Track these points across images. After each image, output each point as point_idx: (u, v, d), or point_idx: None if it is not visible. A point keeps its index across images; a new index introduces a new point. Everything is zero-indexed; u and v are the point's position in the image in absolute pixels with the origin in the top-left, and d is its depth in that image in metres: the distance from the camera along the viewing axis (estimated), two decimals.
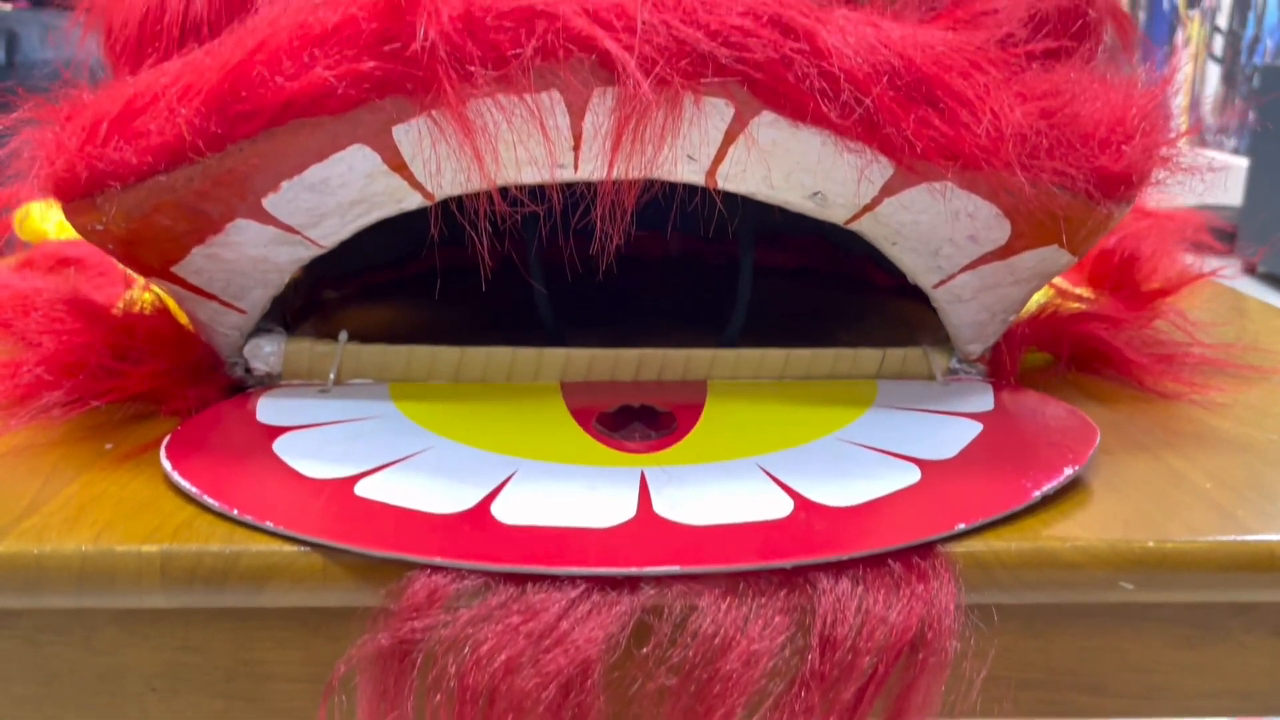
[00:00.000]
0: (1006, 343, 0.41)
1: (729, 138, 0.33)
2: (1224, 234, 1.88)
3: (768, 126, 0.32)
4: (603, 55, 0.29)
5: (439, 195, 0.34)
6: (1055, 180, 0.32)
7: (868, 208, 0.35)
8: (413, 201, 0.35)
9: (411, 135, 0.32)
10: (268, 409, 0.37)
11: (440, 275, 0.54)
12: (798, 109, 0.30)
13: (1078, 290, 0.52)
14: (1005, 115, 0.30)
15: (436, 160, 0.33)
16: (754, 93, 0.31)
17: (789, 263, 0.61)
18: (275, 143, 0.31)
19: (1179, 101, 2.45)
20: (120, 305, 0.44)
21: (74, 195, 0.33)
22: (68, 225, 0.57)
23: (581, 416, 0.37)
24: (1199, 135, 2.60)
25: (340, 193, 0.34)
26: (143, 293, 0.42)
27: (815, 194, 0.35)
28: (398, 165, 0.33)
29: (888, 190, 0.34)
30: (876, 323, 0.51)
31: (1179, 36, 2.73)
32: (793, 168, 0.34)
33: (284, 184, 0.33)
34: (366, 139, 0.32)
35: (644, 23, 0.29)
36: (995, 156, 0.31)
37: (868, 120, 0.30)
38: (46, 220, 0.64)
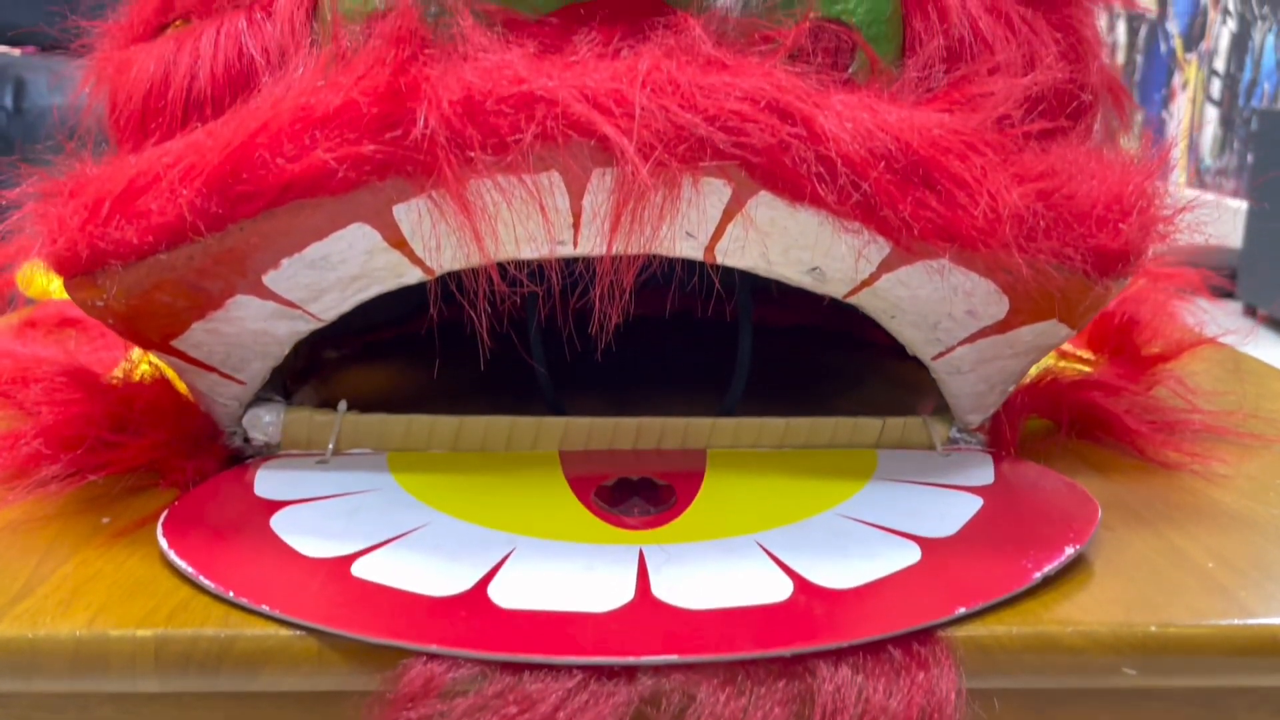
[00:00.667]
0: (1006, 412, 0.41)
1: (727, 216, 0.33)
2: (1225, 274, 1.88)
3: (765, 206, 0.32)
4: (602, 140, 0.29)
5: (439, 270, 0.34)
6: (1053, 259, 0.32)
7: (865, 283, 0.35)
8: (413, 276, 0.35)
9: (411, 214, 0.32)
10: (266, 482, 0.37)
11: (441, 332, 0.54)
12: (795, 191, 0.31)
13: (1078, 353, 0.52)
14: (1002, 197, 0.31)
15: (436, 238, 0.33)
16: (751, 175, 0.31)
17: (787, 320, 0.61)
18: (276, 222, 0.32)
19: (1177, 148, 2.45)
20: (119, 372, 0.44)
21: (75, 272, 0.33)
22: None
23: (580, 487, 0.37)
24: (1197, 177, 2.62)
25: (341, 269, 0.34)
26: (142, 359, 0.42)
27: (813, 270, 0.35)
28: (398, 242, 0.33)
29: (885, 267, 0.34)
30: (876, 384, 0.51)
31: (1177, 79, 2.75)
32: (790, 245, 0.34)
33: (284, 261, 0.33)
34: (367, 218, 0.32)
35: (642, 108, 0.29)
36: (993, 238, 0.31)
37: (865, 203, 0.30)
38: (51, 278, 0.64)
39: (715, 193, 0.32)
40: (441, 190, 0.30)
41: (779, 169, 0.30)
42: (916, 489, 0.37)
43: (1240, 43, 2.46)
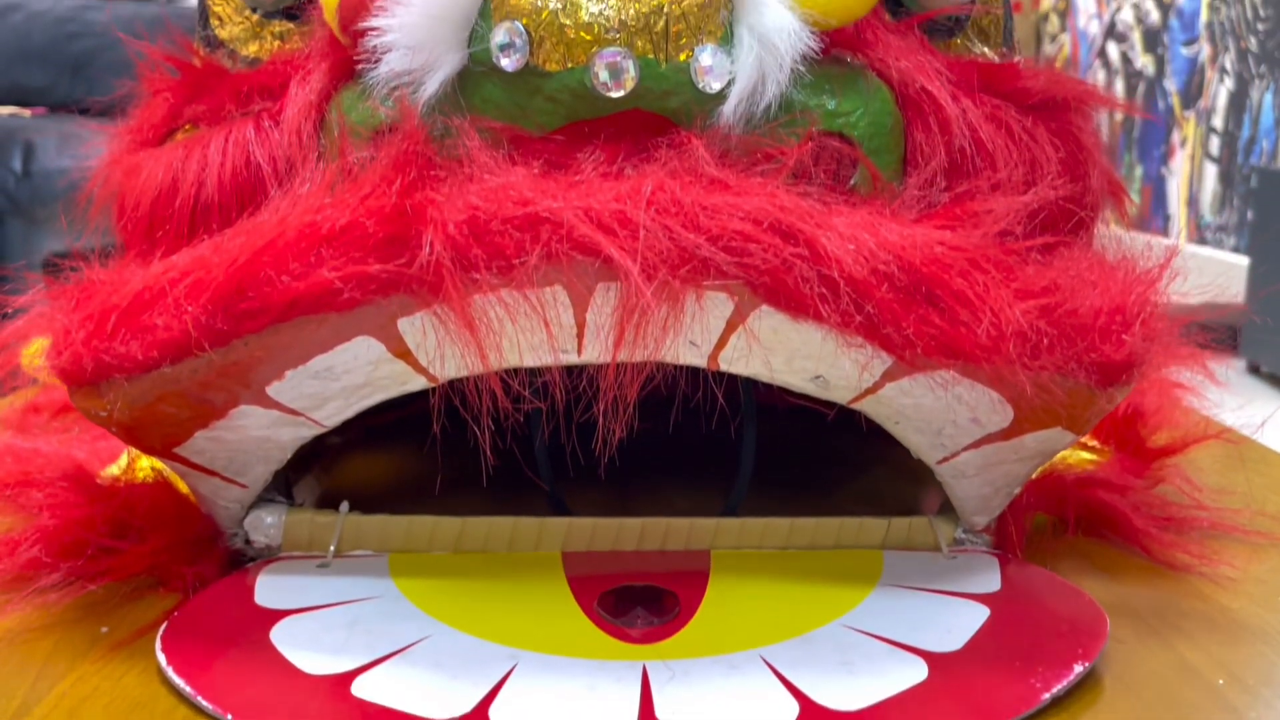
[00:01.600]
0: (1012, 511, 0.41)
1: (730, 327, 0.33)
2: (1227, 332, 1.88)
3: (768, 319, 0.32)
4: (606, 260, 0.30)
5: (443, 378, 0.34)
6: (1056, 373, 0.32)
7: (869, 391, 0.35)
8: (417, 384, 0.35)
9: (415, 328, 0.32)
10: (266, 589, 0.37)
11: (443, 417, 0.54)
12: (799, 308, 0.31)
13: (1083, 440, 0.52)
14: (1005, 314, 0.31)
15: (440, 349, 0.33)
16: (755, 292, 0.31)
17: (790, 400, 0.61)
18: (280, 337, 0.32)
19: (1178, 198, 2.46)
20: (118, 468, 0.44)
21: (80, 383, 0.33)
22: None
23: (582, 591, 0.37)
24: (1198, 233, 2.63)
25: (345, 378, 0.34)
26: (142, 455, 0.42)
27: (817, 378, 0.35)
28: (402, 353, 0.33)
29: (889, 376, 0.34)
30: (882, 471, 0.51)
31: (1175, 136, 2.77)
32: (794, 354, 0.34)
33: (288, 373, 0.33)
34: (371, 331, 0.32)
35: (646, 229, 0.29)
36: (996, 355, 0.31)
37: (868, 322, 0.30)
38: None
39: (718, 306, 0.32)
40: (446, 306, 0.31)
41: (782, 288, 0.30)
42: (922, 596, 0.37)
43: (1238, 101, 2.48)
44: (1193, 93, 2.70)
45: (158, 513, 0.38)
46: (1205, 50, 2.64)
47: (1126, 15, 3.04)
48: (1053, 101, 0.38)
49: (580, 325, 0.32)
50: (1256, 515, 0.44)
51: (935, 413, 0.35)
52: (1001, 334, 0.31)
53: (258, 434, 0.35)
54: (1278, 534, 0.43)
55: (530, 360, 0.33)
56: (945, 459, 0.37)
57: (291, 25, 0.41)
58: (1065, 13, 3.44)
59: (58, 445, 0.46)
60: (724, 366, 0.34)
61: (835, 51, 0.35)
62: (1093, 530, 0.43)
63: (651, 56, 0.32)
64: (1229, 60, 2.52)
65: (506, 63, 0.32)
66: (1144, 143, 2.95)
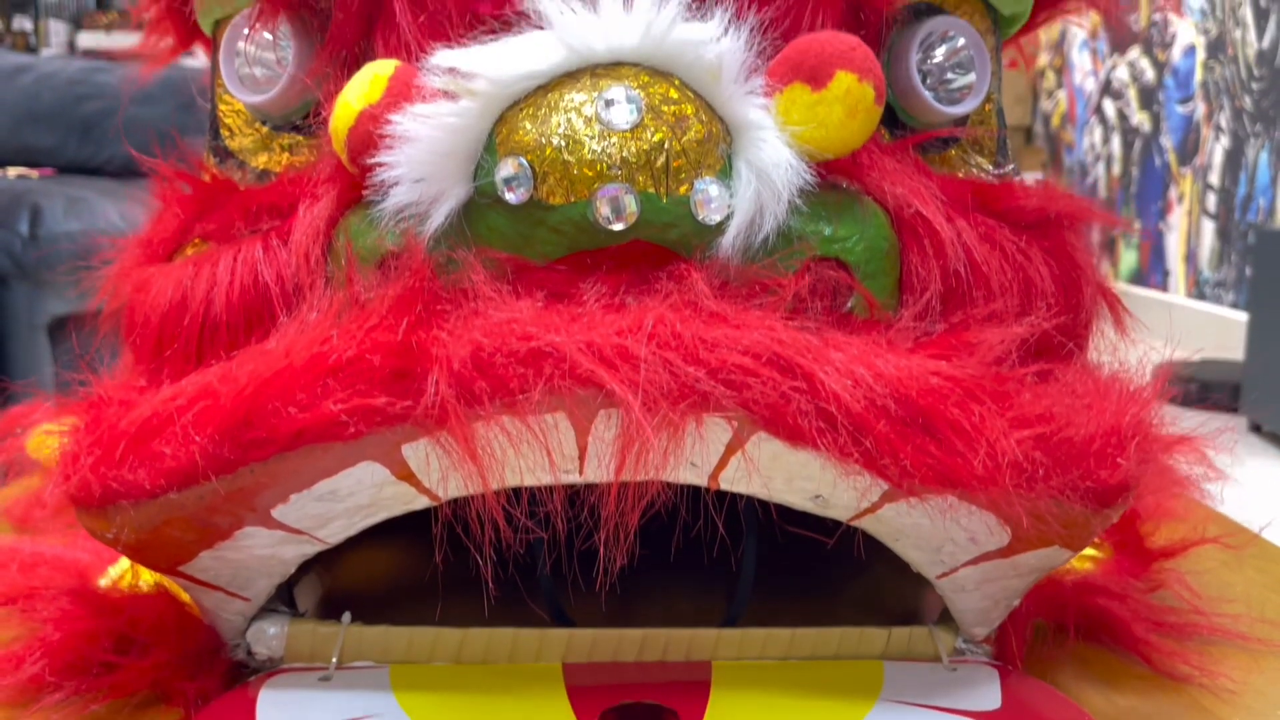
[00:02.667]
0: (1012, 620, 0.41)
1: (730, 450, 0.33)
2: (1228, 390, 1.86)
3: (767, 445, 0.33)
4: (608, 395, 0.30)
5: (445, 497, 0.35)
6: (1052, 499, 0.33)
7: (869, 510, 0.35)
8: (420, 503, 0.35)
9: (419, 453, 0.33)
10: (268, 705, 0.37)
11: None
12: (797, 438, 0.31)
13: None
14: (1000, 444, 0.31)
15: (443, 473, 0.33)
16: (754, 422, 0.31)
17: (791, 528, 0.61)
18: (286, 464, 0.32)
19: (1176, 253, 2.47)
20: (121, 569, 0.44)
21: (88, 507, 0.33)
22: None
23: (583, 706, 0.37)
24: (1196, 288, 2.64)
25: (349, 500, 0.34)
26: None
27: (816, 497, 0.35)
28: (405, 476, 0.34)
29: (888, 498, 0.34)
30: (884, 570, 0.51)
31: (1173, 192, 2.80)
32: (793, 476, 0.34)
33: (293, 496, 0.34)
34: (375, 456, 0.33)
35: (647, 363, 0.30)
36: (992, 485, 0.31)
37: (866, 453, 0.31)
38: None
39: (717, 431, 0.32)
40: (449, 436, 0.31)
41: (781, 420, 0.31)
42: (923, 714, 0.37)
43: (1234, 158, 2.51)
44: (1189, 150, 2.73)
45: (161, 626, 0.38)
46: (1200, 108, 2.67)
47: (1122, 73, 3.08)
48: (1046, 220, 0.39)
49: (582, 449, 0.33)
50: (1257, 622, 0.44)
51: (934, 532, 0.35)
52: (997, 464, 0.31)
53: (262, 553, 0.36)
54: (1275, 640, 0.43)
55: (531, 481, 0.34)
56: (944, 574, 0.38)
57: (300, 138, 0.42)
58: (1061, 70, 3.49)
59: (61, 549, 0.46)
60: (724, 486, 0.35)
61: (831, 177, 0.36)
62: (1092, 636, 0.43)
63: (652, 191, 0.32)
64: (1224, 118, 2.55)
65: (511, 196, 0.32)
66: (1142, 198, 2.97)
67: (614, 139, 0.32)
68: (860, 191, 0.36)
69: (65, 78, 2.10)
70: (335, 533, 0.36)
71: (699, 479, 0.34)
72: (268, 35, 0.41)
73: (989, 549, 0.36)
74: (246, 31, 0.41)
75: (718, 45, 0.33)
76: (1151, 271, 2.92)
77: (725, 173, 0.33)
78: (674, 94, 0.33)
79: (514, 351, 0.30)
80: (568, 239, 0.33)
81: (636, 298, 0.32)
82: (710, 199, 0.33)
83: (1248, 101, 2.44)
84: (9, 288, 1.50)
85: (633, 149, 0.32)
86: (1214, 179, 2.60)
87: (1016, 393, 0.33)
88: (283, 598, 0.41)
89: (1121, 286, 3.02)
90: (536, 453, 0.32)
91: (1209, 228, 2.63)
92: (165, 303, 0.38)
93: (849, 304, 0.35)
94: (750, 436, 0.32)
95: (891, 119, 0.41)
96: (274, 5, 0.39)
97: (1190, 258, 2.71)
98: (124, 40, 3.91)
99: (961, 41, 0.41)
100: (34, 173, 1.87)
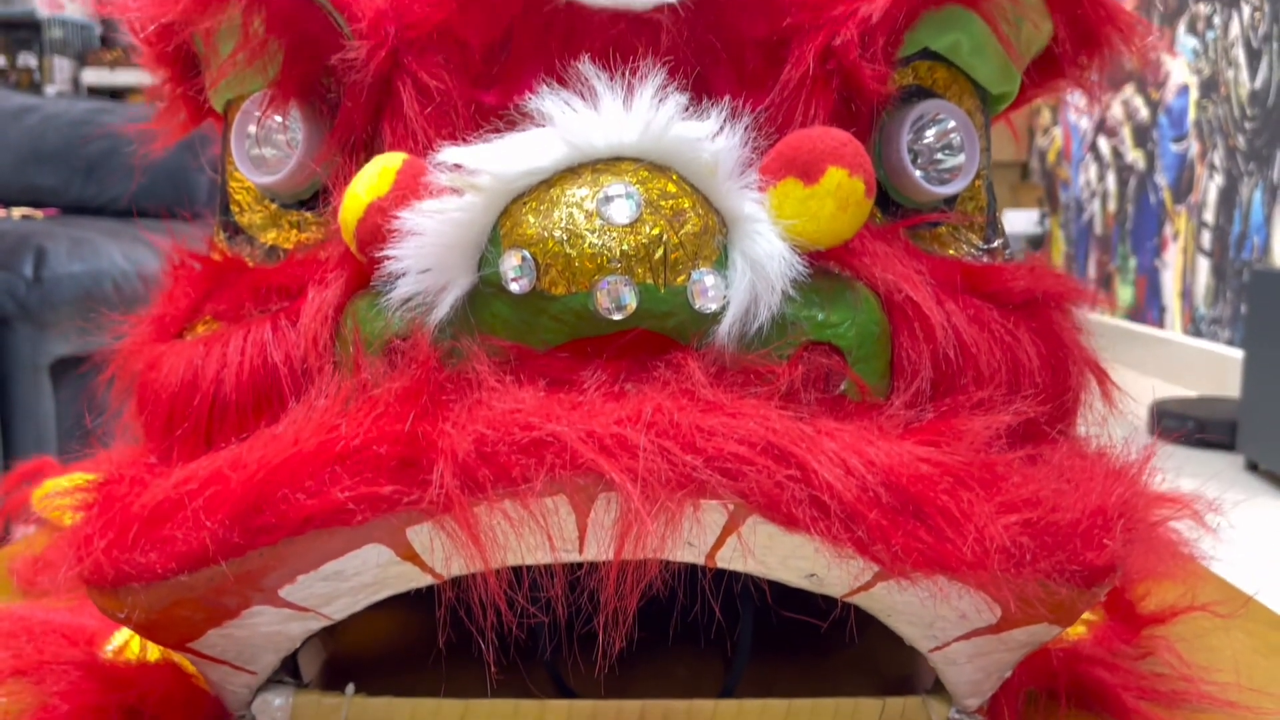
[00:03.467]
0: (1004, 691, 0.41)
1: (726, 531, 0.34)
2: (1225, 427, 1.87)
3: (762, 527, 0.33)
4: (607, 480, 0.31)
5: (448, 576, 0.36)
6: (1040, 581, 0.33)
7: (861, 589, 0.36)
8: (423, 581, 0.36)
9: (423, 536, 0.34)
10: None
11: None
12: (791, 522, 0.32)
13: None
14: (988, 530, 0.32)
15: (446, 554, 0.34)
16: (749, 507, 0.32)
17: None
18: (294, 548, 0.33)
19: (1172, 290, 2.48)
20: (130, 639, 0.45)
21: (100, 587, 0.34)
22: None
23: None
24: (1192, 324, 2.66)
25: (354, 580, 0.35)
26: None
27: (811, 575, 0.36)
28: (409, 556, 0.35)
29: (880, 577, 0.35)
30: (878, 636, 0.51)
31: (1168, 229, 2.82)
32: (788, 556, 0.35)
33: (300, 577, 0.35)
34: (380, 539, 0.34)
35: (645, 451, 0.31)
36: (981, 569, 0.32)
37: (858, 539, 0.32)
38: (65, 502, 0.65)
39: (714, 514, 0.33)
40: (453, 521, 0.32)
41: (775, 506, 0.32)
42: None
43: (1228, 197, 2.53)
44: (1183, 187, 2.75)
45: (168, 699, 0.39)
46: (1194, 147, 2.69)
47: (1117, 111, 3.11)
48: (1034, 301, 0.40)
49: (582, 531, 0.34)
50: (1245, 690, 0.45)
51: (925, 610, 0.36)
52: (985, 550, 0.32)
53: (268, 630, 0.37)
54: (1264, 708, 0.44)
55: (532, 560, 0.35)
56: (937, 648, 0.38)
57: (309, 216, 0.43)
58: (1056, 107, 3.52)
59: (69, 615, 0.47)
60: (721, 564, 0.36)
61: (823, 263, 0.37)
62: (1084, 704, 0.44)
63: (651, 282, 0.33)
64: (1218, 157, 2.58)
65: (515, 287, 0.33)
66: (1137, 235, 3.00)
67: (614, 233, 0.33)
68: (852, 277, 0.37)
69: (70, 118, 2.12)
70: (340, 609, 0.37)
71: (696, 558, 0.35)
72: (278, 118, 0.42)
73: (979, 625, 0.37)
74: (258, 115, 0.42)
75: (714, 143, 0.34)
76: (1148, 307, 2.93)
77: (721, 263, 0.34)
78: (672, 188, 0.34)
79: (516, 441, 0.31)
80: (569, 327, 0.34)
81: (636, 385, 0.33)
82: (707, 289, 0.34)
83: (1241, 140, 2.47)
84: (12, 329, 1.51)
85: (631, 243, 0.33)
86: (1208, 216, 2.62)
87: (1004, 477, 0.34)
88: (286, 666, 0.42)
89: (1118, 322, 3.02)
90: (537, 535, 0.33)
91: (1204, 265, 2.65)
92: (176, 381, 0.39)
93: (841, 387, 0.36)
94: (745, 520, 0.33)
95: (883, 198, 0.43)
96: (285, 92, 0.40)
97: (1186, 294, 2.73)
98: (128, 76, 3.96)
99: (951, 124, 0.43)
100: (39, 213, 1.89)
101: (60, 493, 0.63)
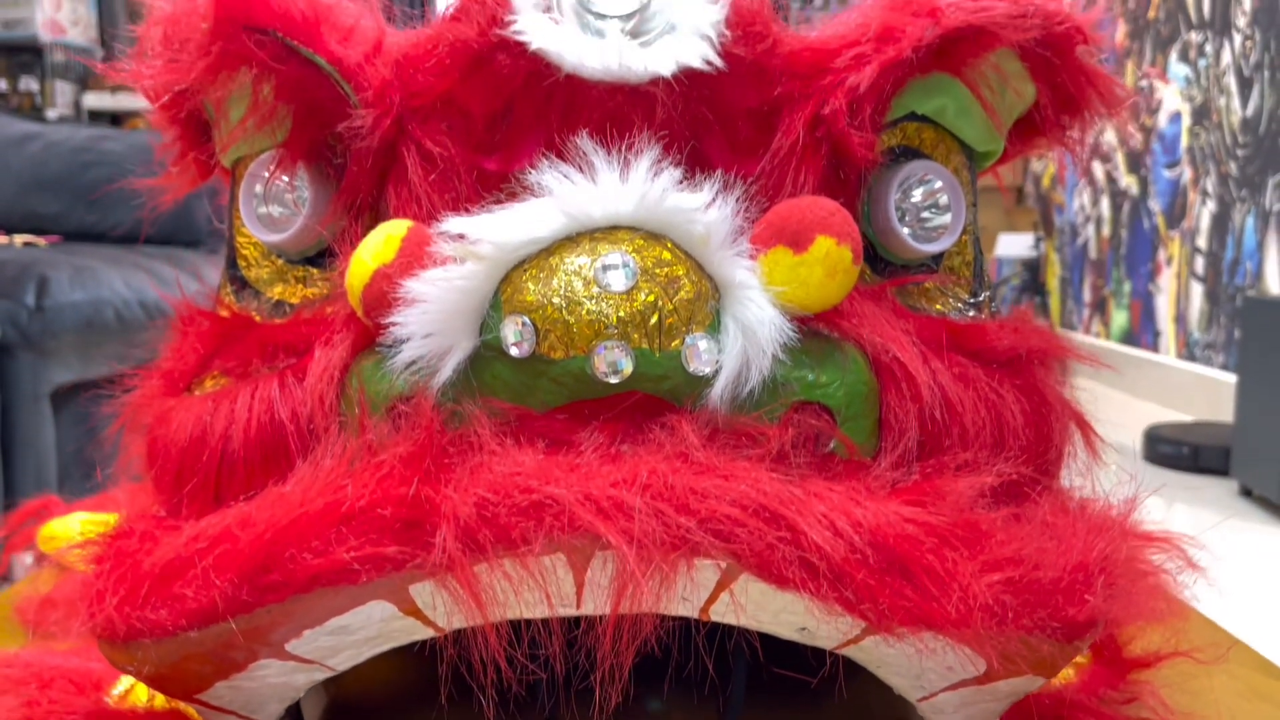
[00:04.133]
0: None
1: (719, 588, 0.35)
2: (1219, 452, 1.87)
3: (754, 585, 0.35)
4: (604, 542, 0.32)
5: (448, 629, 0.37)
6: (1022, 635, 0.35)
7: (851, 642, 0.37)
8: (425, 634, 0.37)
9: (425, 593, 0.35)
10: None
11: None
12: (782, 582, 0.33)
13: None
14: (972, 589, 0.33)
15: (447, 609, 0.35)
16: (741, 566, 0.33)
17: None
18: (300, 604, 0.34)
19: (1166, 314, 2.49)
20: (135, 687, 0.46)
21: (111, 641, 0.35)
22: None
23: None
24: (1186, 349, 2.67)
25: (359, 634, 0.36)
26: None
27: (802, 629, 0.37)
28: (412, 611, 0.36)
29: (869, 632, 0.36)
30: (871, 677, 0.52)
31: (1161, 255, 2.84)
32: (780, 611, 0.36)
33: (306, 632, 0.36)
34: (384, 595, 0.35)
35: (641, 513, 0.32)
36: (965, 626, 0.33)
37: (846, 598, 0.33)
38: (70, 538, 0.66)
39: (707, 572, 0.34)
40: (454, 580, 0.33)
41: (767, 566, 0.33)
42: None
43: (1221, 223, 2.55)
44: (1177, 213, 2.77)
45: None
46: (1187, 173, 2.72)
47: (1110, 136, 3.14)
48: (1018, 358, 0.41)
49: (579, 588, 0.35)
50: None
51: (912, 663, 0.37)
52: (970, 608, 0.33)
53: (274, 681, 0.38)
54: None
55: (530, 614, 0.36)
56: (925, 698, 0.39)
57: (315, 271, 0.45)
58: None
59: (76, 660, 0.48)
60: (714, 617, 0.37)
61: (813, 324, 0.38)
62: None
63: (646, 347, 0.35)
64: (1210, 183, 2.60)
65: (516, 351, 0.35)
66: (1131, 259, 3.02)
67: (611, 300, 0.34)
68: (840, 338, 0.38)
69: (71, 145, 2.14)
70: (344, 661, 0.38)
71: (690, 612, 0.36)
72: (286, 178, 0.43)
73: (965, 677, 0.38)
74: (265, 175, 0.43)
75: (707, 213, 0.35)
76: (1143, 332, 2.95)
77: (714, 328, 0.36)
78: (667, 255, 0.35)
79: (516, 504, 0.32)
80: (568, 390, 0.35)
81: (632, 447, 0.35)
82: (700, 353, 0.35)
83: (1233, 167, 2.49)
84: (14, 357, 1.52)
85: (628, 309, 0.35)
86: (1201, 242, 2.64)
87: (988, 536, 0.35)
88: (290, 711, 0.43)
89: (1113, 346, 3.03)
90: (535, 592, 0.34)
91: (1198, 290, 2.66)
92: (185, 437, 0.40)
93: (831, 444, 0.38)
94: (738, 578, 0.34)
95: (872, 255, 0.44)
96: (293, 154, 0.41)
97: (1180, 319, 2.75)
98: (129, 101, 3.98)
99: (939, 184, 0.44)
100: (41, 240, 1.90)
101: (68, 539, 0.64)
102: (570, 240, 0.35)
